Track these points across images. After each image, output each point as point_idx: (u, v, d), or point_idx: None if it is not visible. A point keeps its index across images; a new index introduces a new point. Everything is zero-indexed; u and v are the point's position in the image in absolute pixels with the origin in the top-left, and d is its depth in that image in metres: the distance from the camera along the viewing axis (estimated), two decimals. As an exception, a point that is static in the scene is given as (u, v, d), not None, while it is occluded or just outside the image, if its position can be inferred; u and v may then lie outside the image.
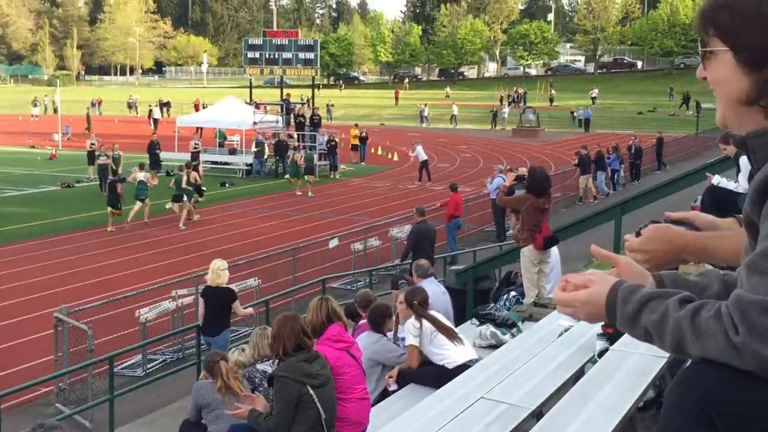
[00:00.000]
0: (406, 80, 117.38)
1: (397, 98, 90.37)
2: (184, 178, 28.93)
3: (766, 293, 1.64)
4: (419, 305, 8.67)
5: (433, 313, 8.79)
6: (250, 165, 40.95)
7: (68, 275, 21.52)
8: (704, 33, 1.89)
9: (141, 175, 28.87)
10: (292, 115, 44.27)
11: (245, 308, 14.30)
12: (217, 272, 13.06)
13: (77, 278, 21.23)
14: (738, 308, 1.66)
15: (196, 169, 31.71)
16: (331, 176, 41.00)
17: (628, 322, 1.84)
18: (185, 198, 28.80)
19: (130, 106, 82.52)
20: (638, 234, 2.40)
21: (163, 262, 23.03)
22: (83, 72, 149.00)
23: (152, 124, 62.95)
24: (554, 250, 11.78)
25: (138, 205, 28.39)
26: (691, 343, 1.73)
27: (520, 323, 10.03)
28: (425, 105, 74.45)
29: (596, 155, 34.50)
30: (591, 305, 1.91)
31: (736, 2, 1.81)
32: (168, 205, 29.49)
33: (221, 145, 45.16)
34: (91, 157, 37.00)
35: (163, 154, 39.52)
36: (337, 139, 42.67)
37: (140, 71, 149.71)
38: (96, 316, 15.47)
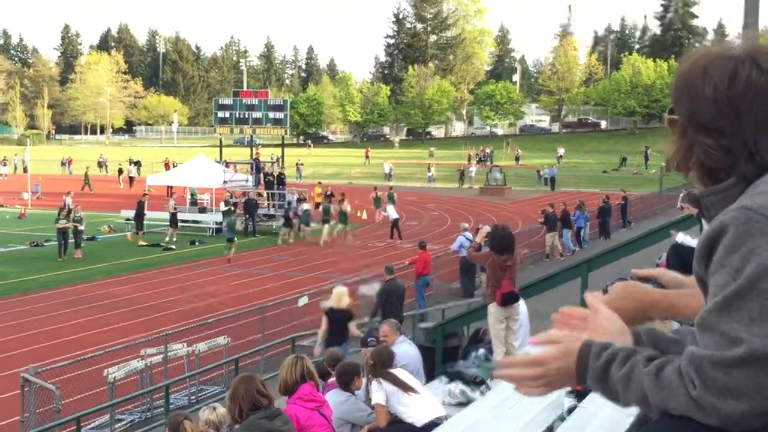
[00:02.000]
0: (397, 138, 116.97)
1: (367, 156, 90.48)
2: (332, 207, 39.30)
3: (716, 349, 1.69)
4: (377, 365, 8.68)
5: (395, 370, 8.79)
6: (220, 223, 40.76)
7: (36, 334, 21.32)
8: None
9: (305, 206, 40.34)
10: (262, 174, 44.38)
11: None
12: (339, 297, 15.07)
13: (45, 338, 21.03)
14: (692, 364, 1.71)
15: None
16: (301, 234, 40.90)
17: (598, 375, 1.88)
18: (330, 222, 38.34)
19: (100, 165, 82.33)
20: (605, 291, 2.41)
21: (131, 321, 22.86)
22: (53, 131, 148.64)
23: (120, 183, 63.02)
24: (522, 307, 11.84)
25: (309, 229, 39.02)
26: (656, 398, 1.77)
27: (488, 381, 10.05)
28: (391, 163, 74.87)
29: (562, 213, 34.80)
30: (563, 360, 1.94)
31: (678, 76, 1.94)
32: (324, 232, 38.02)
33: (193, 203, 45.14)
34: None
35: (133, 213, 39.66)
36: (306, 198, 42.79)
37: (111, 130, 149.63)
38: (63, 376, 15.31)
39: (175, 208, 38.72)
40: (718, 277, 1.73)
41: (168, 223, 38.34)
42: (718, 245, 1.74)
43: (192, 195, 46.09)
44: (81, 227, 33.54)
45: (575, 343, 1.93)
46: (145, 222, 38.28)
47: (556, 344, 1.97)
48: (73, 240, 33.12)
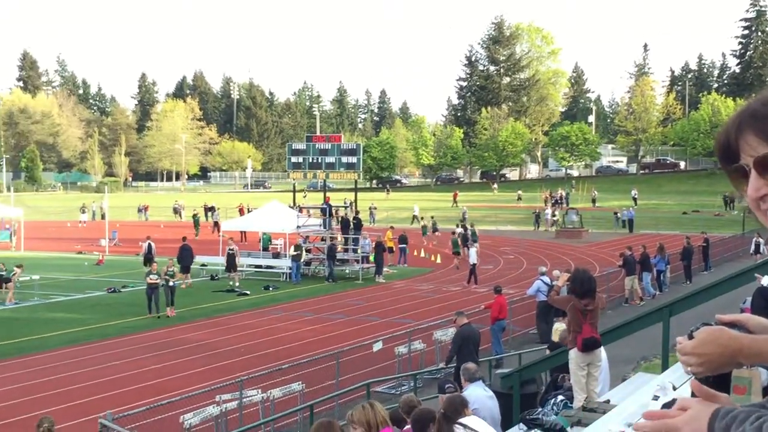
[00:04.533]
0: (495, 184, 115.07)
1: (455, 200, 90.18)
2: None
3: None
4: (446, 414, 8.53)
5: (467, 418, 8.60)
6: (291, 268, 40.91)
7: (114, 380, 21.53)
8: None
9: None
10: (335, 218, 44.49)
11: None
12: (556, 331, 15.75)
13: (122, 383, 21.22)
14: None
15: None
16: (376, 279, 40.87)
17: None
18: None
19: (175, 211, 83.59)
20: (690, 337, 2.35)
21: (207, 366, 22.97)
22: (130, 178, 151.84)
23: (195, 228, 63.90)
24: (603, 353, 11.58)
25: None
26: None
27: (568, 428, 9.81)
28: (466, 207, 74.76)
29: (641, 256, 34.16)
30: (693, 425, 1.90)
31: None
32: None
33: (265, 248, 45.44)
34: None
35: (208, 258, 40.29)
36: (383, 242, 42.75)
37: (186, 177, 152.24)
38: (141, 422, 15.37)
39: (231, 251, 38.89)
40: None
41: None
42: None
43: (264, 240, 46.37)
44: (172, 283, 31.51)
45: (706, 408, 1.91)
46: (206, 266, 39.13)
47: (687, 410, 1.94)
48: (164, 297, 31.24)
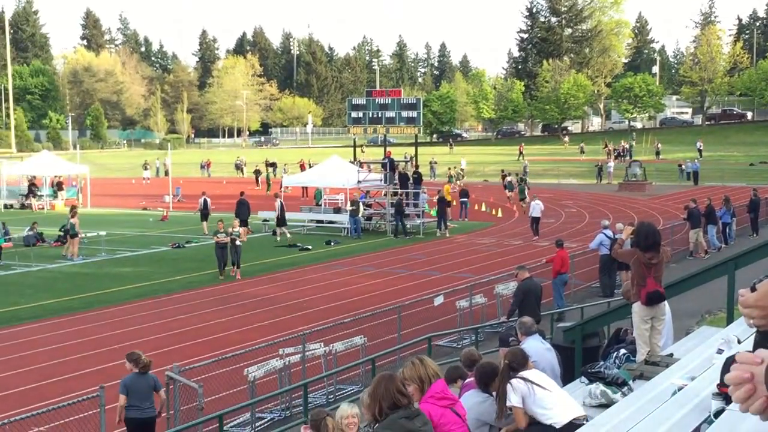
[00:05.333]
0: (566, 137, 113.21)
1: (521, 153, 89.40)
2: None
3: None
4: (510, 366, 8.53)
5: (528, 371, 8.60)
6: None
7: (179, 333, 21.89)
8: None
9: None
10: (396, 173, 44.50)
11: None
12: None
13: (188, 337, 21.57)
14: None
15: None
16: (438, 234, 40.79)
17: None
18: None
19: (237, 167, 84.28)
20: (753, 289, 2.32)
21: (271, 320, 23.23)
22: (193, 135, 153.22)
23: (258, 184, 64.24)
24: (667, 307, 11.49)
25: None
26: None
27: (631, 382, 9.77)
28: (527, 161, 74.28)
29: (706, 209, 33.65)
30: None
31: None
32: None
33: (318, 203, 45.74)
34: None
35: (270, 213, 40.78)
36: (444, 196, 42.57)
37: (247, 133, 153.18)
38: (206, 374, 15.66)
39: (281, 206, 39.32)
40: None
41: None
42: None
43: (317, 195, 46.62)
44: (238, 242, 29.87)
45: None
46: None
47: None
48: (231, 256, 29.99)
